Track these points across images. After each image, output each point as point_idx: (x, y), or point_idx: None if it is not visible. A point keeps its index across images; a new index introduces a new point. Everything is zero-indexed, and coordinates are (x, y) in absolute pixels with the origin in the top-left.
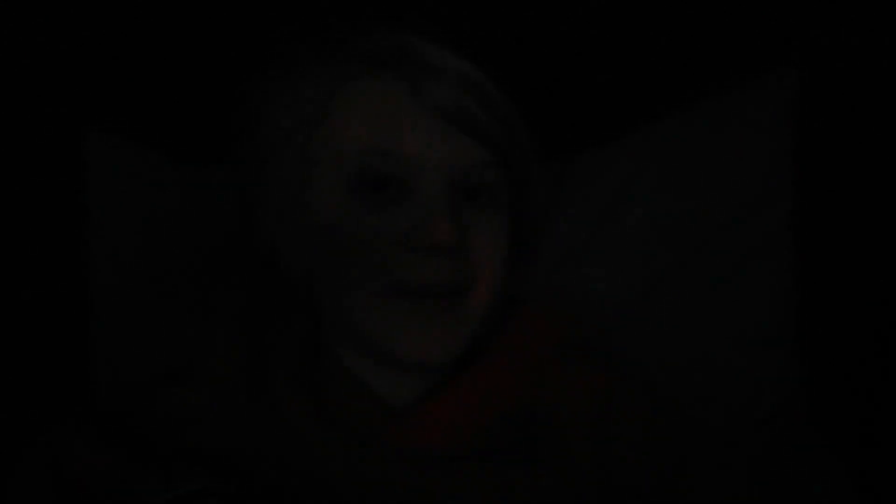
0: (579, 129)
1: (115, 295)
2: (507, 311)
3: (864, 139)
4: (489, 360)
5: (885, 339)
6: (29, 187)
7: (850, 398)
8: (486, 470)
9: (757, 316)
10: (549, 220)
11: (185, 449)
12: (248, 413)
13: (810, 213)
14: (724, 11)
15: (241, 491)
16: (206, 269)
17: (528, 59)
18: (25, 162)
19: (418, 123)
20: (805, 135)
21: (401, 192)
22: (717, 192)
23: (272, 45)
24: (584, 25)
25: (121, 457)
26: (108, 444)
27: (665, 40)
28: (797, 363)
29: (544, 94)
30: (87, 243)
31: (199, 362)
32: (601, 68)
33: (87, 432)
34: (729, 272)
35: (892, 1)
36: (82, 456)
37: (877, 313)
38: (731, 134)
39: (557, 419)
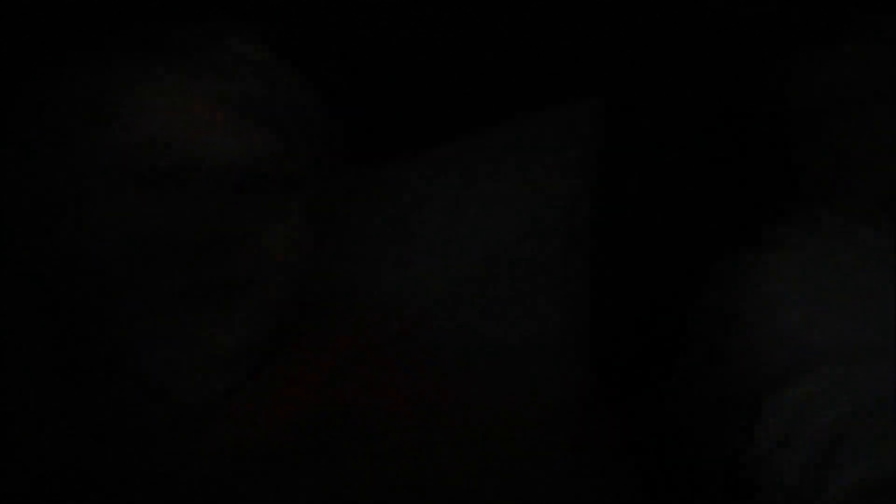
0: (394, 134)
1: None
2: (317, 306)
3: (659, 164)
4: (296, 355)
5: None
6: None
7: (635, 400)
8: (295, 468)
9: (552, 323)
10: (361, 219)
11: None
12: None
13: (605, 229)
14: (542, 38)
15: None
16: None
17: (343, 61)
18: None
19: (205, 114)
20: (606, 157)
21: (185, 185)
22: (520, 206)
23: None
24: (406, 33)
25: None
26: None
27: (483, 60)
28: (587, 367)
29: (359, 98)
30: None
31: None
32: (419, 77)
33: None
34: (528, 281)
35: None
36: None
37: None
38: (535, 151)
39: (372, 419)
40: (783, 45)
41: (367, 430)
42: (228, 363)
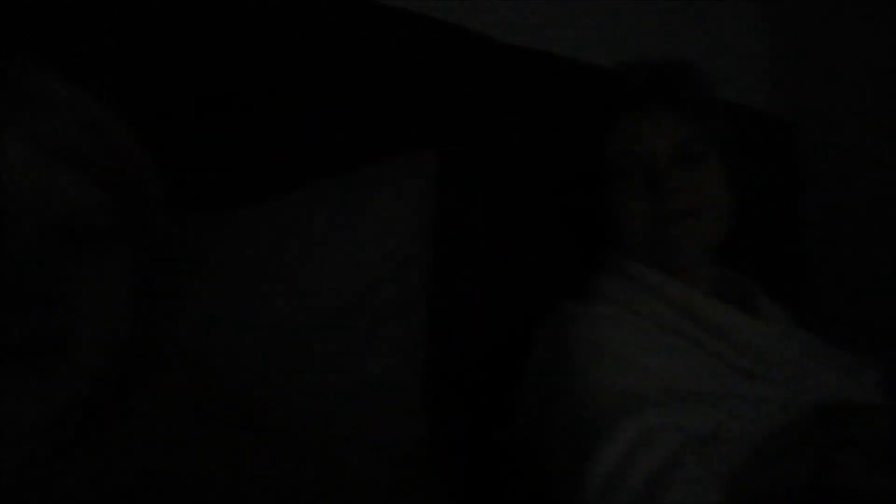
0: (229, 184)
1: None
2: (145, 367)
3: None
4: (118, 421)
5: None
6: None
7: (469, 447)
8: None
9: (388, 375)
10: (200, 271)
11: None
12: None
13: (443, 282)
14: (376, 91)
15: None
16: None
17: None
18: None
19: (15, 159)
20: (444, 209)
21: None
22: (358, 258)
23: None
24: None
25: None
26: None
27: (320, 114)
28: (421, 414)
29: (193, 145)
30: None
31: None
32: (254, 125)
33: None
34: (365, 333)
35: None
36: None
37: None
38: (374, 204)
39: (196, 488)
40: (604, 113)
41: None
42: (40, 433)
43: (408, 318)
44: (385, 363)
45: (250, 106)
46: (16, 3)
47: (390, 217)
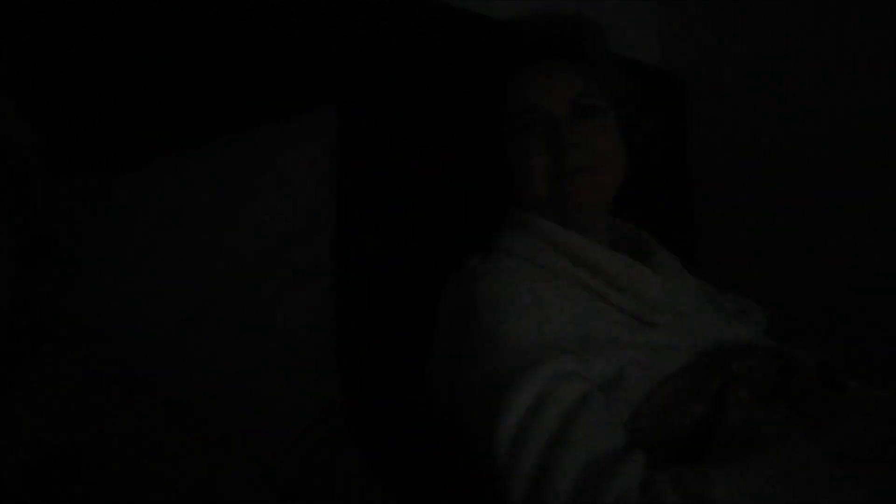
0: (120, 142)
1: None
2: (33, 339)
3: (396, 177)
4: (16, 394)
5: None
6: None
7: (381, 410)
8: None
9: (298, 338)
10: (91, 236)
11: None
12: None
13: (349, 242)
14: (274, 46)
15: None
16: None
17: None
18: None
19: None
20: (347, 167)
21: None
22: (261, 220)
23: None
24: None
25: None
26: None
27: (216, 69)
28: (334, 377)
29: (76, 103)
30: None
31: None
32: (145, 81)
33: None
34: (272, 297)
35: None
36: None
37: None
38: (275, 165)
39: (98, 462)
40: (501, 65)
41: (91, 477)
42: None
43: (316, 279)
44: (294, 325)
45: (138, 61)
46: None
47: (293, 176)
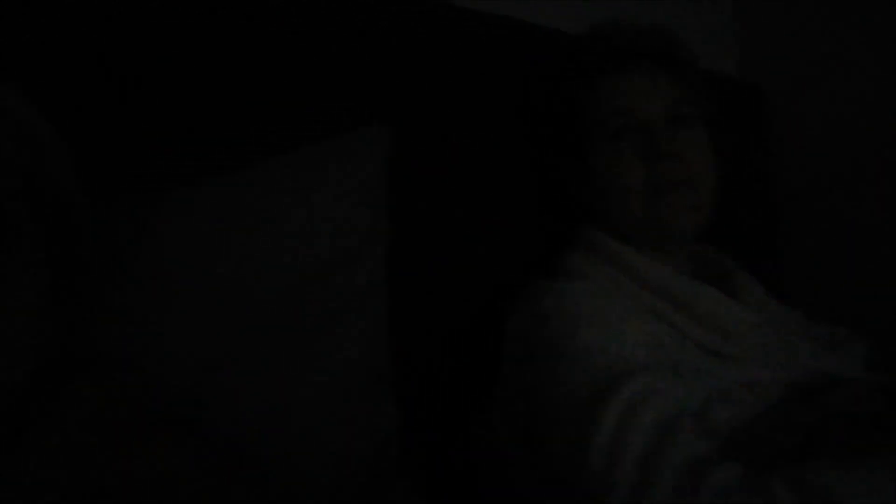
0: (157, 165)
1: None
2: (64, 373)
3: (454, 196)
4: (39, 435)
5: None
6: None
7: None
8: None
9: (352, 366)
10: (116, 266)
11: None
12: None
13: (407, 264)
14: (332, 66)
15: None
16: None
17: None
18: None
19: None
20: (401, 189)
21: None
22: (312, 242)
23: None
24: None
25: None
26: None
27: (263, 86)
28: (392, 409)
29: (114, 123)
30: None
31: None
32: (190, 100)
33: None
34: (321, 323)
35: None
36: None
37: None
38: (325, 182)
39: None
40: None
41: None
42: None
43: (369, 302)
44: (347, 351)
45: (183, 82)
46: None
47: (343, 195)
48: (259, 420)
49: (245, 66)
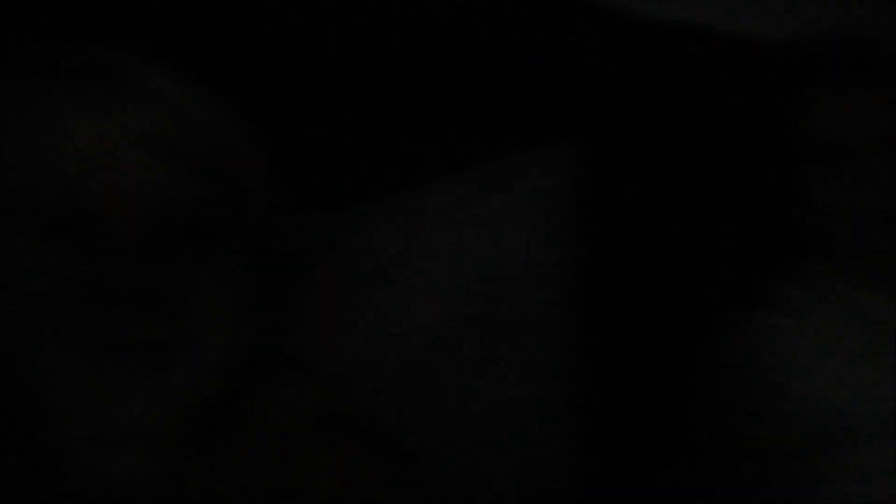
0: (356, 179)
1: None
2: (259, 373)
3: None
4: (230, 433)
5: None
6: None
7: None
8: None
9: (535, 385)
10: (317, 274)
11: None
12: None
13: (591, 283)
14: (513, 84)
15: None
16: None
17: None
18: None
19: (107, 151)
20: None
21: (88, 233)
22: (494, 258)
23: None
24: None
25: None
26: None
27: (449, 103)
28: (580, 436)
29: (319, 139)
30: None
31: None
32: (382, 118)
33: None
34: (505, 341)
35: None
36: None
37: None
38: (508, 201)
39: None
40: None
41: None
42: (157, 440)
43: (547, 326)
44: (520, 381)
45: (367, 99)
46: None
47: (521, 217)
48: (437, 440)
49: (428, 81)
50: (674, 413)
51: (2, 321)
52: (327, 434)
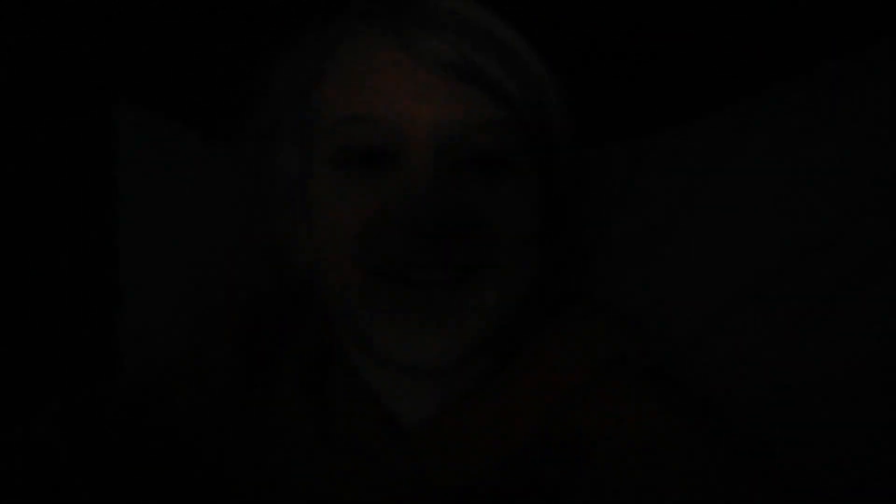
0: (660, 104)
1: (144, 277)
2: (550, 310)
3: None
4: (521, 370)
5: None
6: (58, 158)
7: None
8: None
9: (877, 342)
10: (616, 208)
11: (174, 446)
12: (244, 419)
13: None
14: None
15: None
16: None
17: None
18: (55, 134)
19: (407, 81)
20: None
21: (389, 162)
22: (833, 178)
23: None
24: None
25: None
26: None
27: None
28: None
29: (618, 67)
30: (115, 218)
31: (199, 362)
32: (683, 38)
33: (70, 421)
34: (846, 283)
35: None
36: (56, 447)
37: None
38: (847, 108)
39: (594, 457)
40: None
41: (586, 468)
42: (450, 372)
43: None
44: (873, 328)
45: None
46: None
47: (872, 123)
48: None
49: None
50: None
51: (318, 252)
52: (620, 383)
